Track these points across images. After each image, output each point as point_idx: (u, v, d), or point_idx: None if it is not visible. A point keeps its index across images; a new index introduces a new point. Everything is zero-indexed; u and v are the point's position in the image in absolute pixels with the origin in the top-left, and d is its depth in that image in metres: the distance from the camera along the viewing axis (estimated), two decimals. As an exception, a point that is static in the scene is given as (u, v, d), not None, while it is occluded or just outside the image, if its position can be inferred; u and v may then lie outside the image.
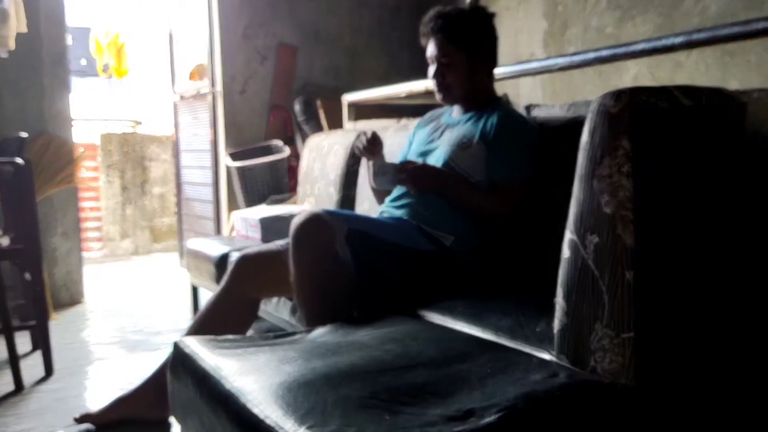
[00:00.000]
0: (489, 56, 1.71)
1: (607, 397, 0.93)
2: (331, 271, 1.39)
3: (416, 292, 1.48)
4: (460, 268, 1.55)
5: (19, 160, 2.24)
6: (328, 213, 1.43)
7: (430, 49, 1.71)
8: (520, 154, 1.58)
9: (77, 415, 1.73)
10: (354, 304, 1.45)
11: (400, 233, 1.52)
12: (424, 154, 1.74)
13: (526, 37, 3.23)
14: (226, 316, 1.65)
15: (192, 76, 3.68)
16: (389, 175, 1.65)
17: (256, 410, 0.89)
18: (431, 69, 1.71)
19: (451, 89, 1.70)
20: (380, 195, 1.87)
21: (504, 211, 1.56)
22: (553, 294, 1.06)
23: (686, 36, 1.49)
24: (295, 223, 1.42)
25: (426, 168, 1.63)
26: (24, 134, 2.60)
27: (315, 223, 1.40)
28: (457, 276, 1.53)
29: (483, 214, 1.59)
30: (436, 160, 1.68)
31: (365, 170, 1.74)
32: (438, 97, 1.74)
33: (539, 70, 2.21)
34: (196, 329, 1.65)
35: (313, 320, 1.40)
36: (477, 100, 1.71)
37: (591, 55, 1.82)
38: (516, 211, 1.56)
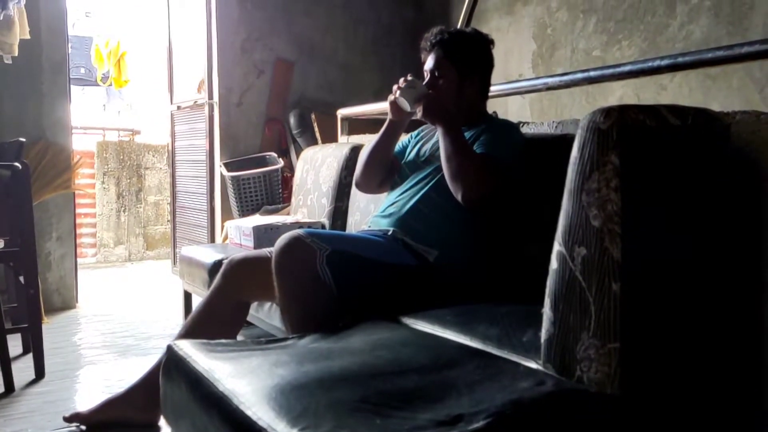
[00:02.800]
0: (481, 78, 1.76)
1: (592, 406, 0.95)
2: (314, 292, 1.41)
3: (400, 305, 1.49)
4: (444, 284, 1.56)
5: (17, 164, 2.26)
6: (310, 234, 1.44)
7: (427, 62, 1.77)
8: (501, 141, 1.61)
9: (67, 415, 1.75)
10: (338, 325, 1.47)
11: (382, 250, 1.54)
12: (416, 161, 1.77)
13: (515, 57, 3.29)
14: (217, 317, 1.67)
15: (199, 89, 3.70)
16: (414, 92, 1.66)
17: (249, 412, 0.91)
18: (425, 81, 1.76)
19: None
20: (371, 173, 1.85)
21: (482, 180, 1.54)
22: (539, 306, 1.09)
23: (671, 59, 1.54)
24: (277, 246, 1.44)
25: (444, 106, 1.63)
26: (22, 139, 2.62)
27: (296, 245, 1.41)
28: (440, 291, 1.54)
29: (465, 176, 1.55)
30: (429, 167, 1.70)
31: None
32: None
33: (529, 89, 2.25)
34: (188, 329, 1.67)
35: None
36: (466, 118, 1.74)
37: (579, 75, 1.86)
38: (485, 184, 1.54)
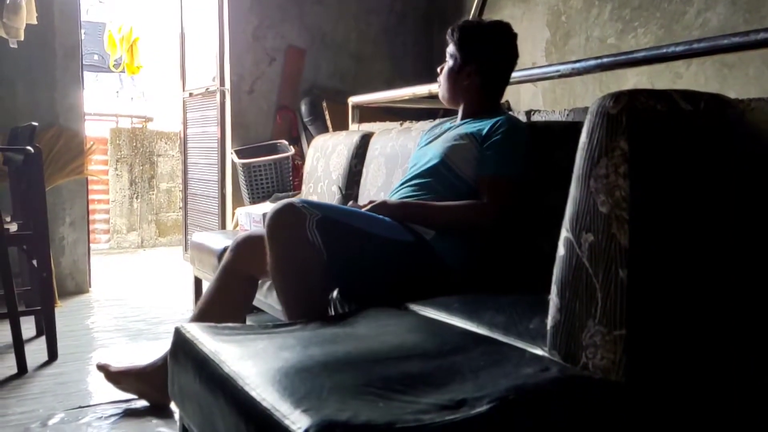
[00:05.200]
0: (480, 69, 1.72)
1: (597, 393, 0.95)
2: (304, 255, 1.41)
3: (394, 280, 1.50)
4: (440, 263, 1.56)
5: (29, 148, 2.27)
6: (302, 201, 1.45)
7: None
8: (510, 153, 1.60)
9: (100, 363, 1.88)
10: (329, 291, 1.49)
11: (376, 224, 1.53)
12: (422, 154, 1.78)
13: (528, 45, 3.25)
14: (228, 290, 1.72)
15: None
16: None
17: (253, 393, 0.91)
18: None
19: (440, 85, 1.81)
20: None
21: (489, 213, 1.56)
22: (546, 294, 1.08)
23: (687, 45, 1.51)
24: (269, 212, 1.45)
25: (386, 204, 1.62)
26: (35, 123, 2.64)
27: (288, 210, 1.42)
28: (436, 269, 1.54)
29: (468, 225, 1.58)
30: (431, 156, 1.70)
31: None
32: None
33: (541, 77, 2.23)
34: (201, 307, 1.73)
35: (289, 306, 1.44)
36: (471, 106, 1.75)
37: (592, 62, 1.84)
38: (502, 210, 1.56)
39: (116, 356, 2.37)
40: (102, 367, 1.84)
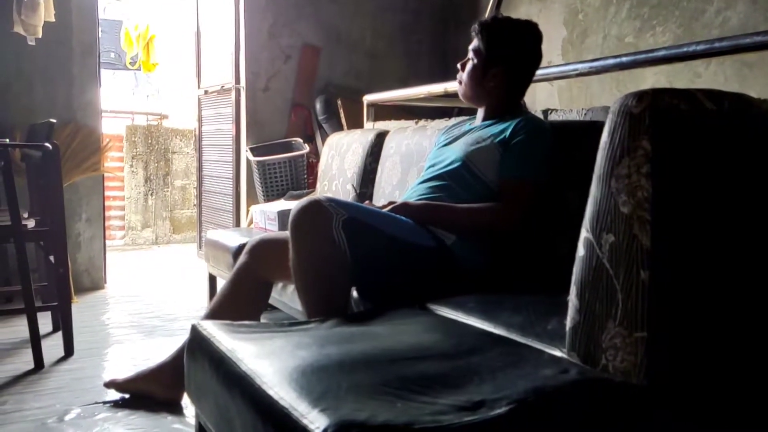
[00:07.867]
0: (508, 70, 1.71)
1: (617, 395, 0.94)
2: (327, 255, 1.40)
3: (414, 284, 1.49)
4: (460, 268, 1.55)
5: (47, 145, 2.29)
6: (329, 200, 1.43)
7: (471, 45, 1.78)
8: (533, 155, 1.58)
9: (107, 380, 1.90)
10: (350, 291, 1.48)
11: (400, 227, 1.52)
12: (440, 154, 1.76)
13: (545, 44, 3.19)
14: (242, 293, 1.73)
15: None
16: None
17: (270, 392, 0.91)
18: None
19: (462, 83, 1.77)
20: None
21: (512, 217, 1.54)
22: (564, 295, 1.07)
23: (707, 44, 1.49)
24: (295, 207, 1.44)
25: (407, 205, 1.61)
26: (53, 120, 2.66)
27: (314, 208, 1.40)
28: (456, 274, 1.53)
29: (490, 228, 1.57)
30: (452, 158, 1.69)
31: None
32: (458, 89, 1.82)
33: (558, 76, 2.20)
34: (214, 307, 1.73)
35: (310, 306, 1.43)
36: (493, 107, 1.73)
37: (611, 61, 1.82)
38: (525, 213, 1.54)
39: (129, 354, 2.39)
40: (110, 384, 1.88)
